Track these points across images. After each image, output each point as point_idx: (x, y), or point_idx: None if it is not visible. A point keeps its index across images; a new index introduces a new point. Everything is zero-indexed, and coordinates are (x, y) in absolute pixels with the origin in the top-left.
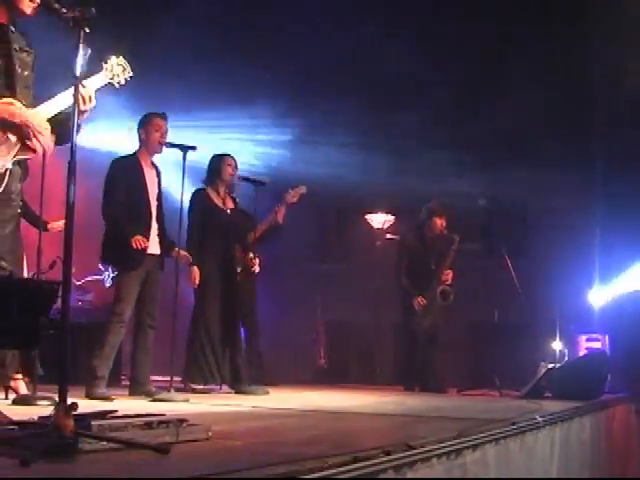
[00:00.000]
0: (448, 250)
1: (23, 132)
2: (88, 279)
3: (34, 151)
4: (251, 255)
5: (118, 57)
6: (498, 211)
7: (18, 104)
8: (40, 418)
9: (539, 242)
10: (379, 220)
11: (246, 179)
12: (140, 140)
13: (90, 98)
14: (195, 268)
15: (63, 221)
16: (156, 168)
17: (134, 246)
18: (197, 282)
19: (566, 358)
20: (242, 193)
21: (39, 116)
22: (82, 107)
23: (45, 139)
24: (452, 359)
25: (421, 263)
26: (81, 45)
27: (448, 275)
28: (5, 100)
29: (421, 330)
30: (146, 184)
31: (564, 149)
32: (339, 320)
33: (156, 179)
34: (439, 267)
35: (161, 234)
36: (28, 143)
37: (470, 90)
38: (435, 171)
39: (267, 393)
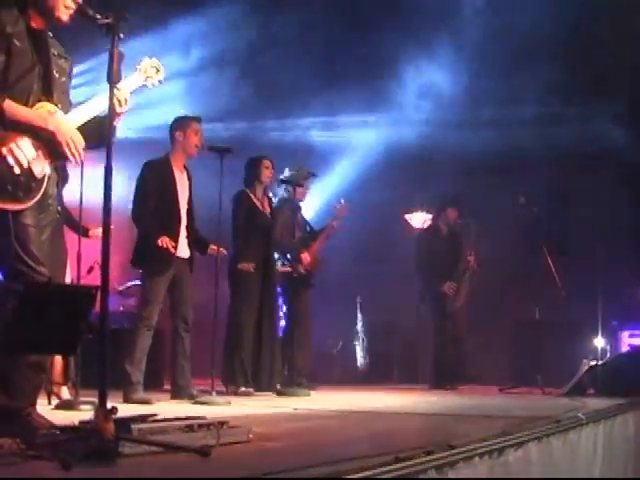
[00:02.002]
0: (464, 238)
1: (55, 138)
2: (129, 284)
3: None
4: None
5: (151, 58)
6: (538, 208)
7: (54, 109)
8: (81, 422)
9: (580, 238)
10: (418, 219)
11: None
12: (175, 142)
13: (125, 100)
14: (244, 264)
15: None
16: (187, 172)
17: (159, 244)
18: (252, 268)
19: (609, 355)
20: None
21: (71, 126)
22: (117, 109)
23: (75, 149)
24: (494, 357)
25: (442, 256)
26: (115, 50)
27: (471, 256)
28: (42, 105)
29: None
30: (176, 188)
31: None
32: (380, 320)
33: (187, 183)
34: (460, 253)
35: (191, 237)
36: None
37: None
38: (475, 168)
39: (308, 395)
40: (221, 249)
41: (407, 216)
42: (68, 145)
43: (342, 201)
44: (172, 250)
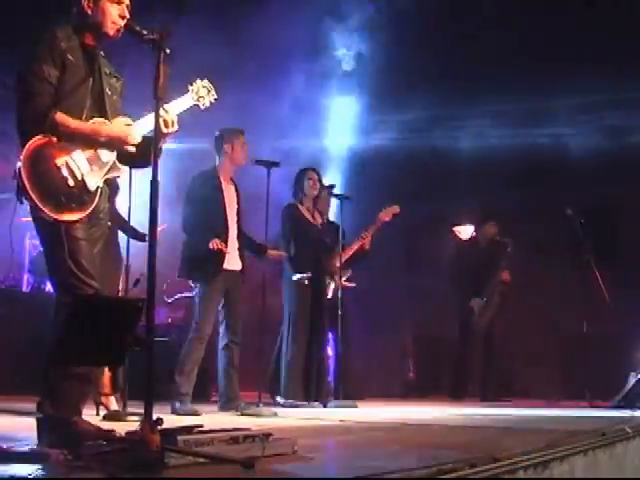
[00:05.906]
0: (502, 253)
1: (113, 146)
2: (178, 296)
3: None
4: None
5: (203, 79)
6: (586, 220)
7: (106, 122)
8: (127, 433)
9: (627, 251)
10: (467, 232)
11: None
12: (223, 154)
13: (172, 122)
14: (301, 275)
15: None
16: (235, 184)
17: (211, 247)
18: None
19: None
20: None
21: (121, 124)
22: (164, 130)
23: (130, 138)
24: (542, 371)
25: (477, 268)
26: (162, 66)
27: (505, 275)
28: (95, 120)
29: (480, 331)
30: (224, 199)
31: None
32: (428, 334)
33: (235, 194)
34: (496, 269)
35: (242, 249)
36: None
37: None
38: (523, 179)
39: (355, 407)
40: (281, 252)
41: (456, 229)
42: (126, 142)
43: (387, 208)
44: (224, 250)
